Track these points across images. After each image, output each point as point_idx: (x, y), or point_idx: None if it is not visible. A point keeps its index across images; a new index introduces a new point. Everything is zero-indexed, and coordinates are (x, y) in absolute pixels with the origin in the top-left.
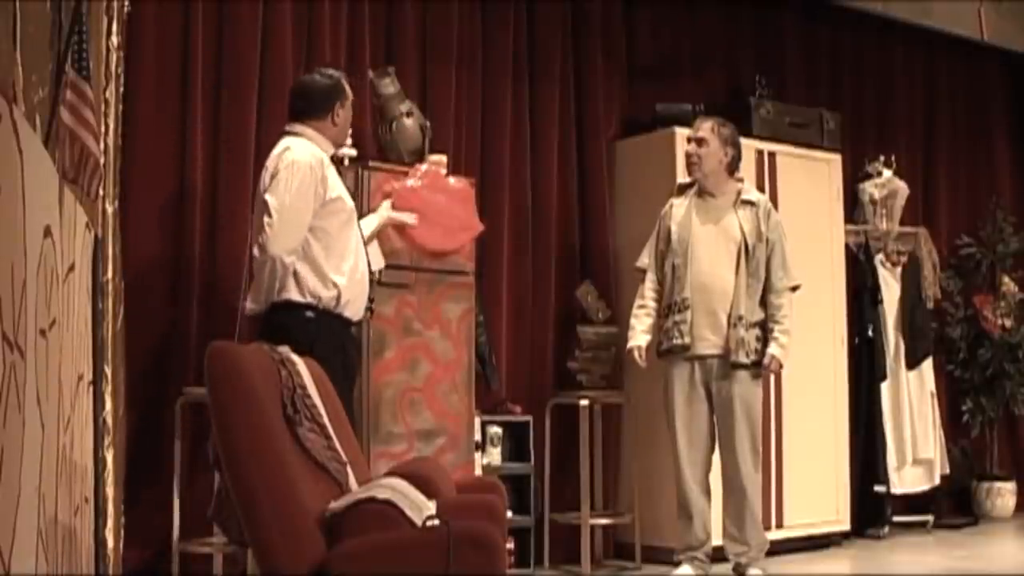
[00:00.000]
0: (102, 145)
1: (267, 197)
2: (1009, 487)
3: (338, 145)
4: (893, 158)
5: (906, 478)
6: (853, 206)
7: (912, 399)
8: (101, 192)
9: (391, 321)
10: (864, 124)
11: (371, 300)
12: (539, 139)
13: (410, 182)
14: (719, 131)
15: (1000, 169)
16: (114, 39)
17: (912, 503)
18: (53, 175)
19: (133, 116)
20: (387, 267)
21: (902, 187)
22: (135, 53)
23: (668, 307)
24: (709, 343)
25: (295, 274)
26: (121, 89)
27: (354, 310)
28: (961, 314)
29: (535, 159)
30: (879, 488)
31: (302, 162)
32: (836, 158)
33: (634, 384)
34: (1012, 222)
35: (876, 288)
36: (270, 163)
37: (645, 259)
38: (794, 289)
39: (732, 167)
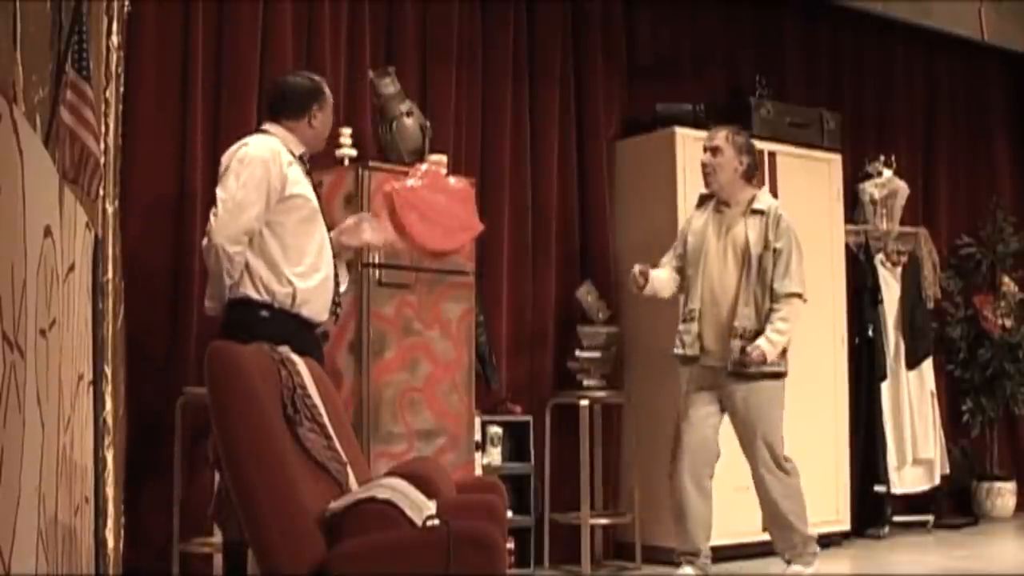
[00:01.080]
0: (102, 145)
1: (217, 190)
2: (1009, 487)
3: (314, 149)
4: (893, 158)
5: (906, 478)
6: (853, 206)
7: (912, 399)
8: (101, 192)
9: (391, 321)
10: (864, 124)
11: (337, 305)
12: (539, 139)
13: (410, 182)
14: (733, 139)
15: (1000, 169)
16: (114, 39)
17: (912, 503)
18: (53, 175)
19: (133, 116)
20: (387, 267)
21: (902, 187)
22: (135, 53)
23: (681, 315)
24: (716, 355)
25: (249, 269)
26: (121, 89)
27: (313, 311)
28: (961, 314)
29: (535, 159)
30: (879, 488)
31: (254, 155)
32: (836, 158)
33: (634, 384)
34: (1012, 222)
35: (876, 288)
36: (224, 158)
37: (663, 260)
38: (799, 297)
39: (748, 175)
